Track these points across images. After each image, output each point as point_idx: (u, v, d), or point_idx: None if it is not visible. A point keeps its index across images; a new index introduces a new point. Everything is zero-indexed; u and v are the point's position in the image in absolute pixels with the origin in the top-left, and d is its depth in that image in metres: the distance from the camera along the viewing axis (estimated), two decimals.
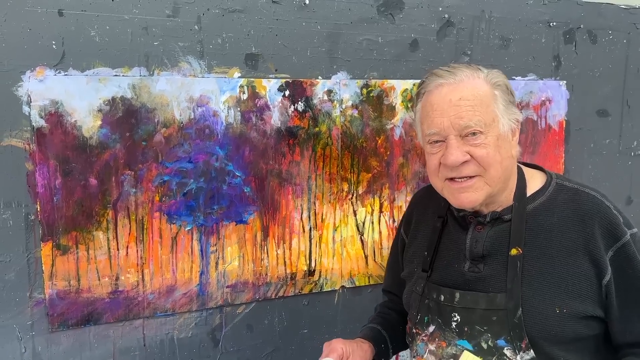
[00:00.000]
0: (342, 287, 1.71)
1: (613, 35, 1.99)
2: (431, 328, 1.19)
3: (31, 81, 1.30)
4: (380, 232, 1.73)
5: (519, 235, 1.13)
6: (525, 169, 1.22)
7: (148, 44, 1.40)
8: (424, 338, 1.21)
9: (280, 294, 1.63)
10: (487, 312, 1.11)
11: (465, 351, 1.14)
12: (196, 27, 1.44)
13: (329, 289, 1.69)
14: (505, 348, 1.09)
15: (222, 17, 1.46)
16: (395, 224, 1.75)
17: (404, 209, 1.74)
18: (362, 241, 1.71)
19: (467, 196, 1.14)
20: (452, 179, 1.14)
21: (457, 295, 1.16)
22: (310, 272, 1.66)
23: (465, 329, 1.14)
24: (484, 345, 1.11)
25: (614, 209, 1.13)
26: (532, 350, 1.07)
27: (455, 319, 1.16)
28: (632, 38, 2.03)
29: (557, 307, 1.08)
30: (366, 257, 1.73)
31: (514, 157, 1.16)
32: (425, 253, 1.26)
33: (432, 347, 1.19)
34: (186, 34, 1.43)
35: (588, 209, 1.12)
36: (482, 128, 1.10)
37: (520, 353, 1.08)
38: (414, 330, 1.24)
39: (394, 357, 1.79)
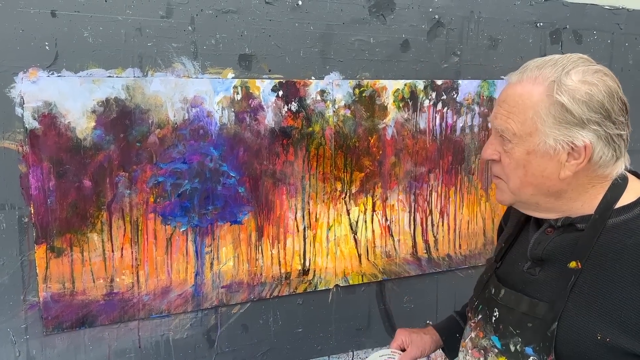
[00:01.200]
0: (336, 285, 1.72)
1: (597, 36, 2.04)
2: (479, 317, 1.18)
3: (24, 82, 1.29)
4: (373, 231, 1.74)
5: (585, 250, 1.03)
6: (632, 179, 1.08)
7: (142, 45, 1.39)
8: (472, 324, 1.20)
9: (275, 293, 1.63)
10: (524, 317, 1.08)
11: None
12: (190, 28, 1.44)
13: (323, 288, 1.70)
14: (532, 357, 1.06)
15: (216, 18, 1.46)
16: (388, 222, 1.76)
17: (397, 207, 1.77)
18: (355, 240, 1.73)
19: (497, 193, 1.13)
20: None
21: (502, 291, 1.13)
22: (305, 272, 1.66)
23: (501, 326, 1.12)
24: (512, 348, 1.09)
25: None
26: None
27: (495, 314, 1.13)
28: (616, 38, 2.07)
29: (599, 333, 0.98)
30: (359, 255, 1.74)
31: (561, 180, 1.04)
32: (503, 244, 1.23)
33: (473, 334, 1.19)
34: (180, 34, 1.43)
35: None
36: (510, 137, 1.05)
37: None
38: (469, 315, 1.24)
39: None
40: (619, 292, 0.98)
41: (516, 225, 1.22)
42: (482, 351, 1.15)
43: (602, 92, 0.99)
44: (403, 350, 1.34)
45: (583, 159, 1.00)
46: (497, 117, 1.07)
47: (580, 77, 1.00)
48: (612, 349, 0.97)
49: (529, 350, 1.06)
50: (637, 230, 1.00)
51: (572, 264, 1.03)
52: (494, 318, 1.14)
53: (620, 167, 1.05)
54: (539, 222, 1.15)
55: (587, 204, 1.06)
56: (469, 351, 1.19)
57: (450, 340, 1.38)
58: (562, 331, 1.02)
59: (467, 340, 1.21)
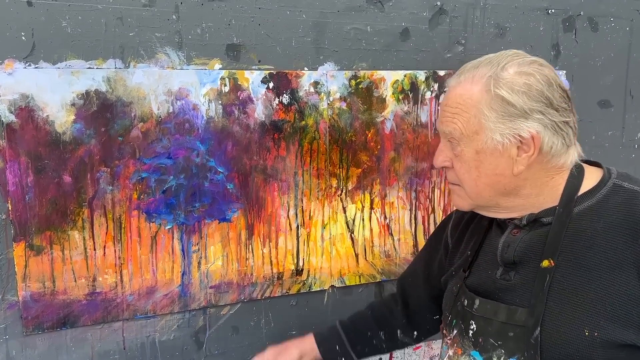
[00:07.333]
0: (332, 286, 1.65)
1: (615, 23, 1.91)
2: (454, 332, 1.12)
3: (0, 74, 1.25)
4: (371, 230, 1.66)
5: (555, 245, 1.00)
6: (587, 167, 1.07)
7: (123, 35, 1.34)
8: (448, 341, 1.14)
9: (267, 294, 1.57)
10: (504, 326, 1.01)
11: None
12: (174, 16, 1.38)
13: (318, 289, 1.63)
14: None
15: (202, 6, 1.40)
16: (387, 220, 1.68)
17: (396, 204, 1.68)
18: (352, 239, 1.65)
19: (454, 199, 1.11)
20: None
21: (477, 302, 1.07)
22: (298, 272, 1.59)
23: (480, 339, 1.05)
24: None
25: None
26: None
27: (472, 327, 1.07)
28: (635, 25, 1.95)
29: (586, 329, 0.93)
30: (357, 255, 1.66)
31: (515, 176, 1.02)
32: (469, 252, 1.17)
33: (450, 352, 1.12)
34: (163, 24, 1.37)
35: None
36: (458, 138, 1.03)
37: None
38: (444, 332, 1.17)
39: (388, 355, 1.74)
40: (597, 280, 0.94)
41: (479, 234, 1.17)
42: None
43: (539, 81, 0.99)
44: None
45: (533, 151, 0.99)
46: (443, 121, 1.05)
47: (516, 69, 0.99)
48: (604, 343, 0.92)
49: None
50: (604, 214, 0.98)
51: (545, 263, 1.00)
52: (471, 331, 1.07)
53: (574, 155, 1.03)
54: (502, 225, 1.10)
55: (549, 196, 1.04)
56: None
57: (331, 353, 1.35)
58: (547, 335, 0.96)
59: (445, 359, 1.13)
